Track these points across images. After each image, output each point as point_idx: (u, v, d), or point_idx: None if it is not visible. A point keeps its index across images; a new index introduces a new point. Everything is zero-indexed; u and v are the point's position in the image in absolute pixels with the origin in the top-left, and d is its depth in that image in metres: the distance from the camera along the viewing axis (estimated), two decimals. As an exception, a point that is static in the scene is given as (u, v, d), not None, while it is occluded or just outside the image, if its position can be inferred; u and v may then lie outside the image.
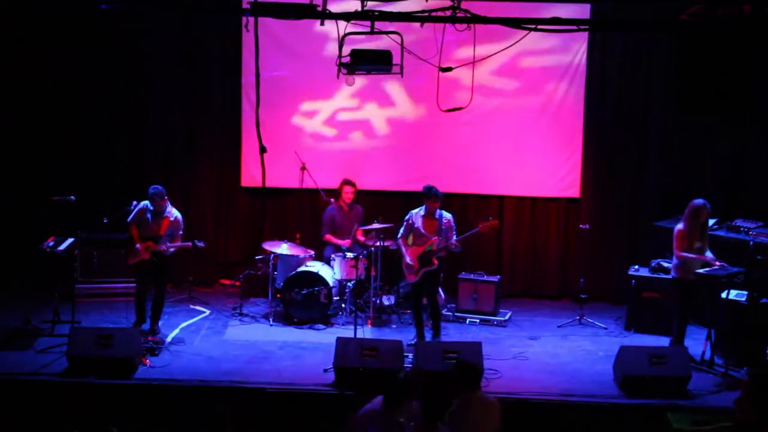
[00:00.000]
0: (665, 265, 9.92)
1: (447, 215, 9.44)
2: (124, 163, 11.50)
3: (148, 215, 9.53)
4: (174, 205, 9.77)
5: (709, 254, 9.05)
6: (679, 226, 9.07)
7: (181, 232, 9.66)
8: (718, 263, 8.94)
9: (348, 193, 10.75)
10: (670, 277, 9.42)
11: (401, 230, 9.57)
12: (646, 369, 8.33)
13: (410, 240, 9.44)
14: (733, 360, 8.85)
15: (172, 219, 9.57)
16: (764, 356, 8.84)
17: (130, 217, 9.61)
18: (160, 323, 9.74)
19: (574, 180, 11.38)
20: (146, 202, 9.56)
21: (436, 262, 9.32)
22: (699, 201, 9.03)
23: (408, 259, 9.40)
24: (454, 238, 9.37)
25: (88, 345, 8.47)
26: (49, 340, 9.14)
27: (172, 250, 9.55)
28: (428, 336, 9.51)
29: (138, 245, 9.47)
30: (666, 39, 10.69)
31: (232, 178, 11.66)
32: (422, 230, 9.35)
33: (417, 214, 9.46)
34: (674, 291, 9.28)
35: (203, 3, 9.51)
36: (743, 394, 5.45)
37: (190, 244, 9.39)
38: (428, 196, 9.28)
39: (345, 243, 10.66)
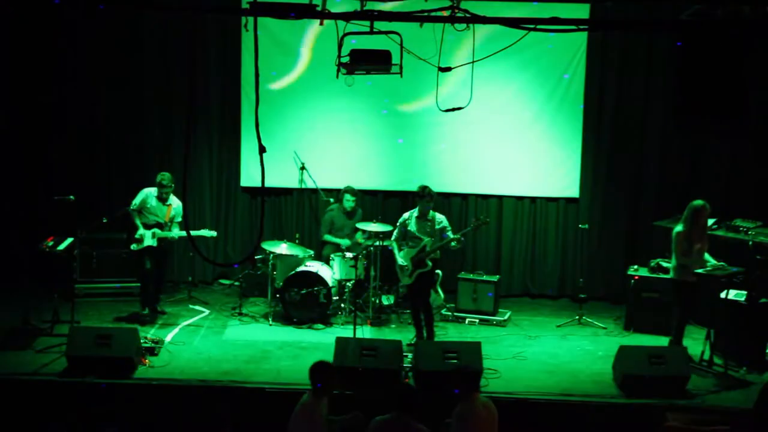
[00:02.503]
0: (664, 264, 9.92)
1: (440, 216, 9.43)
2: (123, 163, 11.52)
3: (153, 203, 9.69)
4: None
5: (707, 256, 8.96)
6: (678, 228, 8.93)
7: (179, 220, 9.84)
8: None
9: (348, 201, 10.76)
10: (669, 278, 9.37)
11: (395, 233, 9.57)
12: (645, 369, 8.33)
13: (404, 241, 9.44)
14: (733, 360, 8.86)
15: (174, 206, 9.81)
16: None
17: (134, 203, 9.78)
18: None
19: (573, 180, 11.39)
20: (151, 190, 9.71)
21: (430, 263, 9.33)
22: (699, 202, 8.93)
23: (401, 261, 9.40)
24: (446, 237, 9.35)
25: (88, 345, 8.47)
26: (48, 339, 9.13)
27: (172, 237, 9.84)
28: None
29: (143, 231, 9.66)
30: (665, 40, 10.70)
31: (232, 178, 11.68)
32: (415, 232, 9.34)
33: (410, 216, 9.44)
34: (673, 292, 9.25)
35: (203, 3, 9.50)
36: None
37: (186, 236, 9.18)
38: (422, 196, 9.29)
39: (344, 242, 10.68)
